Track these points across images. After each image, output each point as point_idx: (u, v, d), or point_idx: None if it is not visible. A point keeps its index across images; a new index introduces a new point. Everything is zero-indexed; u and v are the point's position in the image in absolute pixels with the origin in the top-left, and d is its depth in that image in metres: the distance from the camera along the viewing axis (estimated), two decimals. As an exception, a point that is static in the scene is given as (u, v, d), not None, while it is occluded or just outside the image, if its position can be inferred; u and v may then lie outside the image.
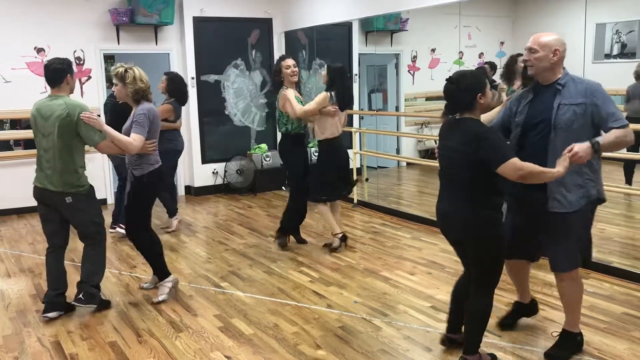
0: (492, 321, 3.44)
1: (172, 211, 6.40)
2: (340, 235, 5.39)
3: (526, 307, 3.69)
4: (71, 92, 4.04)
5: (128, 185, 4.24)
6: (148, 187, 4.19)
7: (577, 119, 3.00)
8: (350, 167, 5.83)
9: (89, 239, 4.10)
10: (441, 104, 3.09)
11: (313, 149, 8.62)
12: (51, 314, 4.00)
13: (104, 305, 4.18)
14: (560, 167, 2.87)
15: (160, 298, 4.29)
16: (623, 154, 4.95)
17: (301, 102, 5.33)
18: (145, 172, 4.14)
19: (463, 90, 2.95)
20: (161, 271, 4.36)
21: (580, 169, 3.02)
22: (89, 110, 3.92)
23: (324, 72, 5.30)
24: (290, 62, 5.29)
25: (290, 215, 5.55)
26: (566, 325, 3.32)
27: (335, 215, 5.44)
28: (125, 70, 4.12)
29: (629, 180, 6.15)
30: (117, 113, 5.03)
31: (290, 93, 5.22)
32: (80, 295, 4.01)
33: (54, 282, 4.06)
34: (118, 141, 3.94)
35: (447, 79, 3.01)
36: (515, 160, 2.83)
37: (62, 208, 3.96)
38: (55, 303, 4.03)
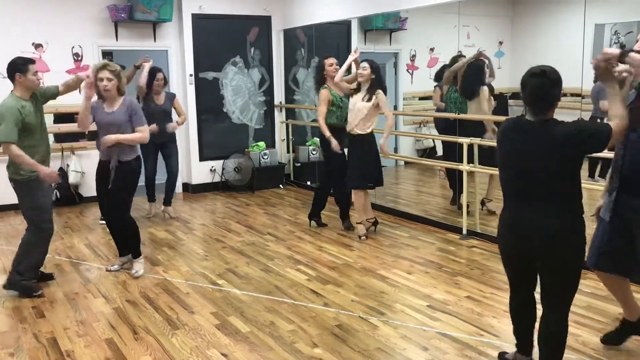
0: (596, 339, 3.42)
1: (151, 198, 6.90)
2: (373, 219, 5.89)
3: (634, 326, 3.33)
4: (28, 89, 4.26)
5: (113, 172, 4.54)
6: (135, 170, 4.65)
7: None
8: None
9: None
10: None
11: (311, 147, 8.63)
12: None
13: (46, 278, 4.64)
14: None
15: (141, 272, 4.76)
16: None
17: (340, 98, 5.81)
18: (133, 157, 4.59)
19: (555, 84, 2.66)
20: (137, 249, 4.83)
21: None
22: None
23: (365, 70, 5.47)
24: (332, 60, 5.83)
25: (319, 202, 6.17)
26: None
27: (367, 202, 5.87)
28: (118, 68, 4.51)
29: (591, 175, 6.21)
30: None
31: (324, 94, 5.75)
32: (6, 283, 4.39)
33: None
34: (131, 140, 4.50)
35: (533, 74, 2.67)
36: (612, 126, 2.67)
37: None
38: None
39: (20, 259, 4.37)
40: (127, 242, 4.86)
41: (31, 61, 4.31)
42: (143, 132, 4.53)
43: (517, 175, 2.76)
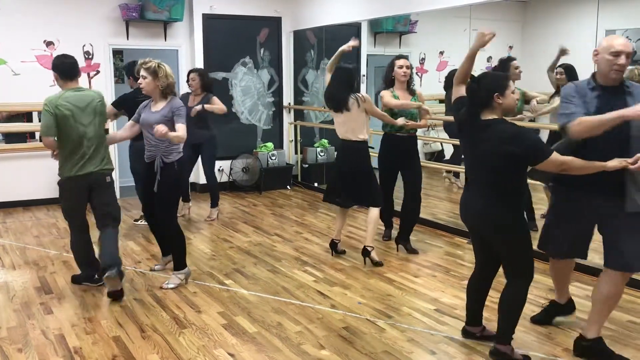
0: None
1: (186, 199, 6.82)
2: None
3: (561, 307, 3.80)
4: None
5: (159, 174, 4.36)
6: (179, 173, 4.46)
7: None
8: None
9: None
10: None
11: (319, 149, 8.63)
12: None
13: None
14: (615, 162, 3.00)
15: (170, 286, 4.49)
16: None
17: (415, 99, 5.26)
18: (176, 159, 4.40)
19: (483, 89, 3.10)
20: (182, 261, 4.58)
21: None
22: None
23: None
24: (402, 62, 5.21)
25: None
26: (595, 333, 3.29)
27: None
28: (158, 65, 4.32)
29: None
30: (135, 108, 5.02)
31: (385, 94, 5.17)
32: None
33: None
34: (176, 138, 4.23)
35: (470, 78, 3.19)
36: (556, 155, 2.99)
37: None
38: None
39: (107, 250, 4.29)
40: (170, 247, 4.69)
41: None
42: (182, 130, 4.26)
43: (476, 168, 3.22)
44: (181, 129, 4.25)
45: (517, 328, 3.67)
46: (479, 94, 3.10)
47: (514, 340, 3.30)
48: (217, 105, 6.39)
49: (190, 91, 6.53)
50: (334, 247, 5.28)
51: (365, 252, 5.02)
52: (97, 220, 4.40)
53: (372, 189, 5.02)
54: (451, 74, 7.42)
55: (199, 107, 6.27)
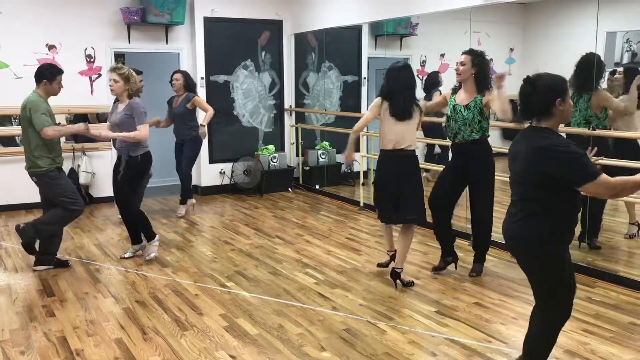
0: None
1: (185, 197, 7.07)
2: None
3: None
4: (48, 94, 4.82)
5: (122, 165, 5.09)
6: (140, 165, 5.10)
7: None
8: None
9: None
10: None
11: (320, 151, 8.64)
12: (39, 267, 4.94)
13: (62, 265, 5.03)
14: None
15: (152, 255, 5.22)
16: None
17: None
18: (139, 153, 5.05)
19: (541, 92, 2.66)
20: (150, 233, 5.28)
21: None
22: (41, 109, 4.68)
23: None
24: (461, 58, 4.56)
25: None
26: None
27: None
28: (130, 73, 5.00)
29: None
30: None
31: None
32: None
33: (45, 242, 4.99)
34: (127, 137, 4.95)
35: (523, 79, 2.70)
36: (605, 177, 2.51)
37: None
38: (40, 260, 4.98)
39: (42, 219, 4.89)
40: (138, 231, 5.31)
41: (60, 71, 4.86)
42: (140, 130, 4.94)
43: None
44: (142, 129, 4.94)
45: (518, 329, 3.69)
46: (535, 98, 2.66)
47: (514, 340, 3.29)
48: (207, 112, 6.77)
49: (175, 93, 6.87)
50: (394, 275, 4.52)
51: (395, 275, 4.51)
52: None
53: (419, 203, 4.55)
54: (430, 76, 7.46)
55: (204, 130, 6.81)
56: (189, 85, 6.83)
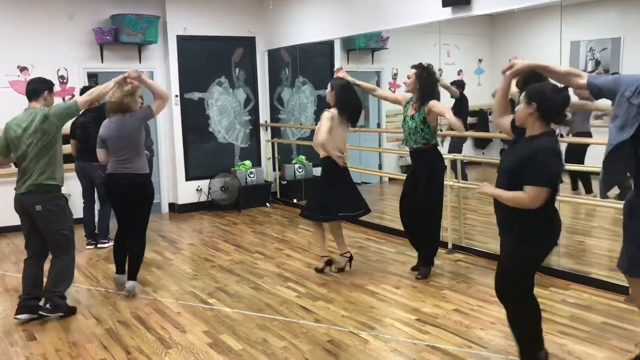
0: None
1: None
2: (348, 254, 5.32)
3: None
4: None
5: (142, 187, 4.74)
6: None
7: None
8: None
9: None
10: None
11: (297, 165, 8.71)
12: (22, 316, 4.28)
13: (71, 312, 4.41)
14: None
15: (131, 292, 4.79)
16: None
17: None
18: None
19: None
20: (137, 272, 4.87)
21: None
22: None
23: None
24: (410, 71, 5.00)
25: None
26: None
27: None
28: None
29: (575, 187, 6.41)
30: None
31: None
32: (47, 305, 4.27)
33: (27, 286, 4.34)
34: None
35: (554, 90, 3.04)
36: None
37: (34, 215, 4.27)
38: (27, 306, 4.30)
39: (53, 286, 4.30)
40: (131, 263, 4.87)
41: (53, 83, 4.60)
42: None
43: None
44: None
45: (497, 333, 3.78)
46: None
47: (494, 345, 3.36)
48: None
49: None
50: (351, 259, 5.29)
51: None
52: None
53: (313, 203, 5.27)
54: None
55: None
56: None
